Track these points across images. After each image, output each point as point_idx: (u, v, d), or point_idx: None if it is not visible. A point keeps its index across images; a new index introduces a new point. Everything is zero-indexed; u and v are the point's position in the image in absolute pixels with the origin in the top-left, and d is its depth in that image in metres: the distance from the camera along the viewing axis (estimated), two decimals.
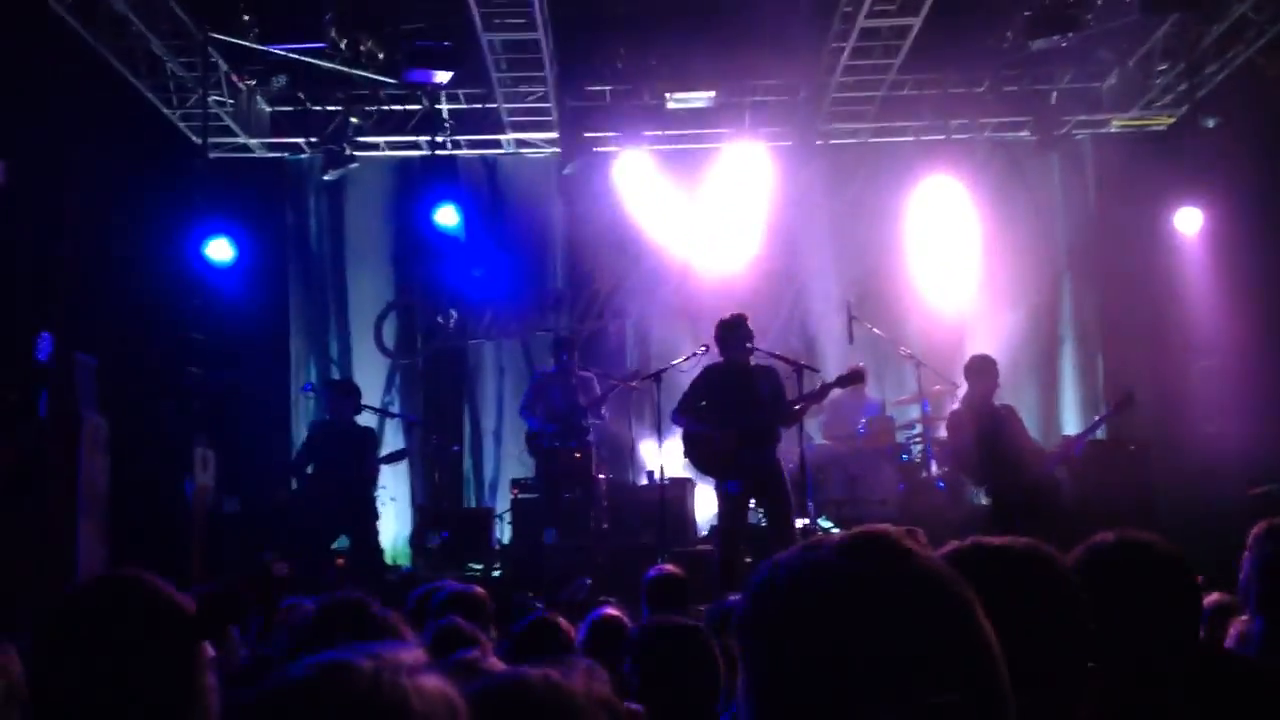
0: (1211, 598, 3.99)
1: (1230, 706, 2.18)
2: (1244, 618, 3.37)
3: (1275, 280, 9.33)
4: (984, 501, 9.98)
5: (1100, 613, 2.26)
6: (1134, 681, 2.10)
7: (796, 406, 7.53)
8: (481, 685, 1.53)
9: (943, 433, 9.97)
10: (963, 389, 10.17)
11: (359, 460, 8.75)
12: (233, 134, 11.06)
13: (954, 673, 1.01)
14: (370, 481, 8.84)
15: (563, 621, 3.65)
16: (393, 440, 11.13)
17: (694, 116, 11.23)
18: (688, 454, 7.69)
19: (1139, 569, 2.23)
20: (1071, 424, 11.25)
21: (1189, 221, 10.28)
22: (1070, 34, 9.14)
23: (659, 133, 11.21)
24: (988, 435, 7.72)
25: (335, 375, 11.35)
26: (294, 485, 9.19)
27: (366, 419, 10.15)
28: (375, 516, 8.89)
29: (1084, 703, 1.60)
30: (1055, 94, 11.25)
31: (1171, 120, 11.27)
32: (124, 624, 1.83)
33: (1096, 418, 8.06)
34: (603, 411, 9.82)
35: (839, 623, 1.02)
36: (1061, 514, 7.48)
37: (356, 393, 9.18)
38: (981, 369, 7.99)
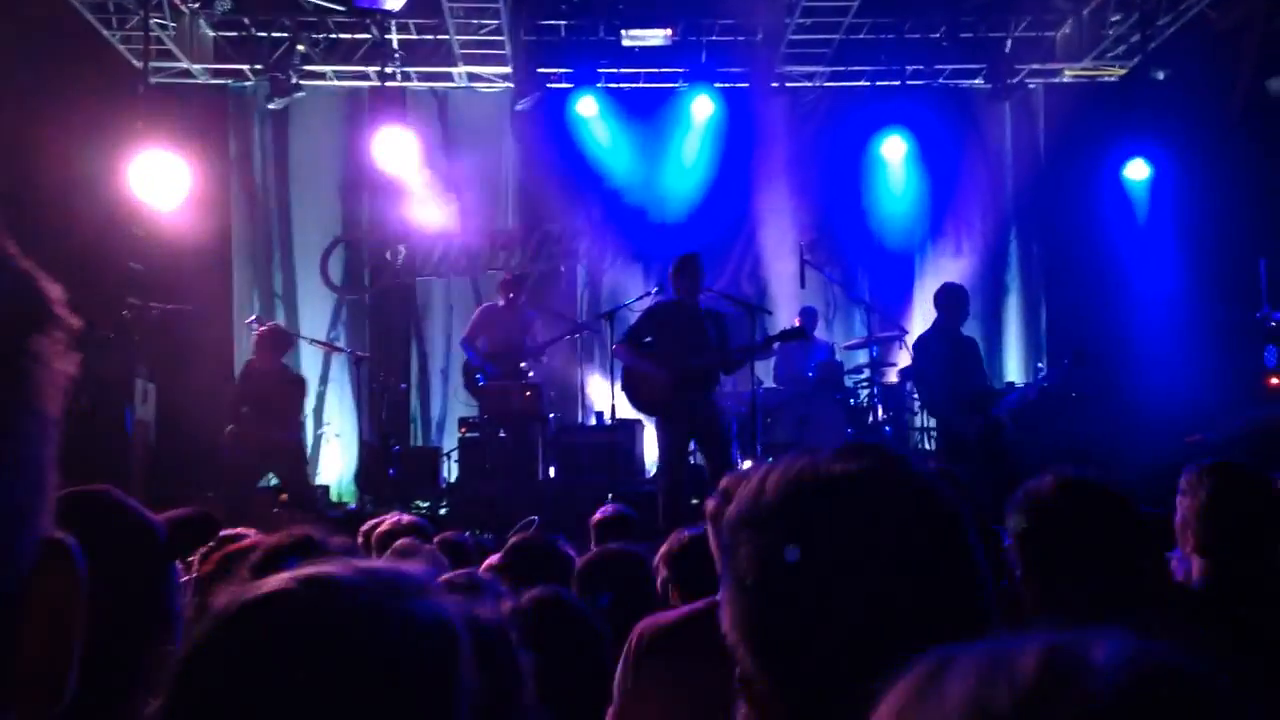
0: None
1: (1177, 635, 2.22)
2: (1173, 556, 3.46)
3: (1220, 232, 9.48)
4: (929, 440, 10.16)
5: (1045, 549, 2.30)
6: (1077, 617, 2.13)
7: (738, 356, 7.52)
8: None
9: (891, 378, 10.07)
10: (913, 333, 10.29)
11: (289, 406, 8.71)
12: (175, 59, 10.73)
13: (943, 565, 1.03)
14: (297, 427, 8.96)
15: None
16: (339, 377, 11.02)
17: (650, 55, 11.10)
18: (625, 388, 7.66)
19: (1079, 505, 2.27)
20: (1015, 371, 11.43)
21: (1136, 172, 10.40)
22: None
23: (614, 70, 11.06)
24: (952, 364, 7.75)
25: (279, 309, 11.18)
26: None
27: (312, 353, 10.04)
28: (303, 458, 9.03)
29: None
30: (1010, 42, 11.26)
31: (1123, 72, 11.34)
32: (95, 538, 1.78)
33: (1051, 370, 8.13)
34: (543, 358, 9.75)
35: (836, 515, 1.03)
36: (1005, 455, 7.57)
37: (285, 340, 9.07)
38: (954, 297, 7.97)
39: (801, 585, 1.01)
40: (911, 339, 10.16)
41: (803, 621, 1.01)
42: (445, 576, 2.62)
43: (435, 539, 4.28)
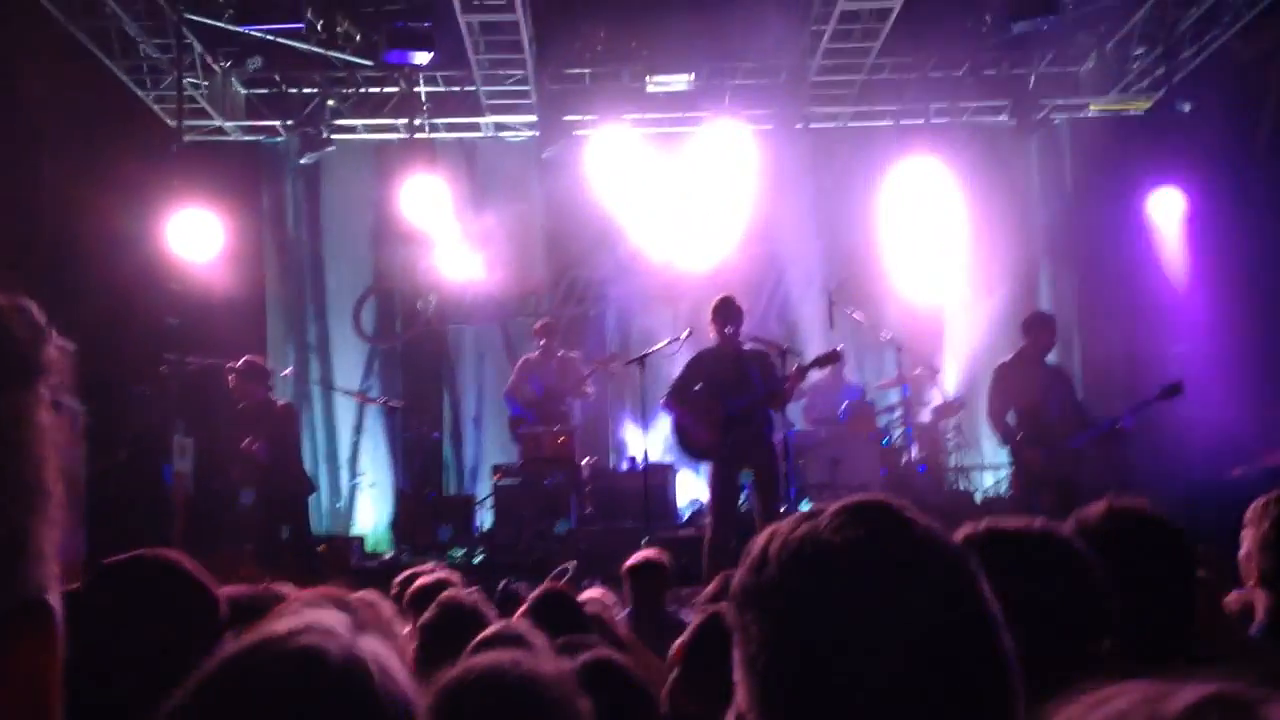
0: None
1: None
2: (1237, 593, 3.40)
3: (1251, 262, 9.40)
4: (964, 480, 10.06)
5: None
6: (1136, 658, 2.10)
7: (782, 388, 7.53)
8: (458, 671, 1.56)
9: (925, 417, 10.01)
10: (943, 373, 10.24)
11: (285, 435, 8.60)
12: (208, 116, 10.93)
13: (954, 639, 0.99)
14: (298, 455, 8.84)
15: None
16: (372, 427, 11.08)
17: (674, 99, 11.19)
18: (678, 440, 7.69)
19: (1131, 535, 2.24)
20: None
21: (1165, 204, 10.35)
22: (1051, 17, 9.14)
23: (639, 115, 11.16)
24: (1032, 391, 7.61)
25: (313, 360, 11.28)
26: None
27: (346, 403, 10.09)
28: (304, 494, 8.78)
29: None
30: (1033, 78, 11.28)
31: (1148, 104, 11.32)
32: (163, 602, 1.80)
33: (1144, 400, 7.86)
34: (588, 390, 9.81)
35: (839, 591, 1.01)
36: (1071, 487, 7.40)
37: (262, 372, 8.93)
38: (1039, 324, 7.88)
39: (807, 668, 0.99)
40: (944, 377, 10.13)
41: (813, 705, 1.00)
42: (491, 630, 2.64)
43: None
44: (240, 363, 8.56)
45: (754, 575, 1.06)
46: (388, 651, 0.99)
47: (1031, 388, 7.64)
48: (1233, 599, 3.32)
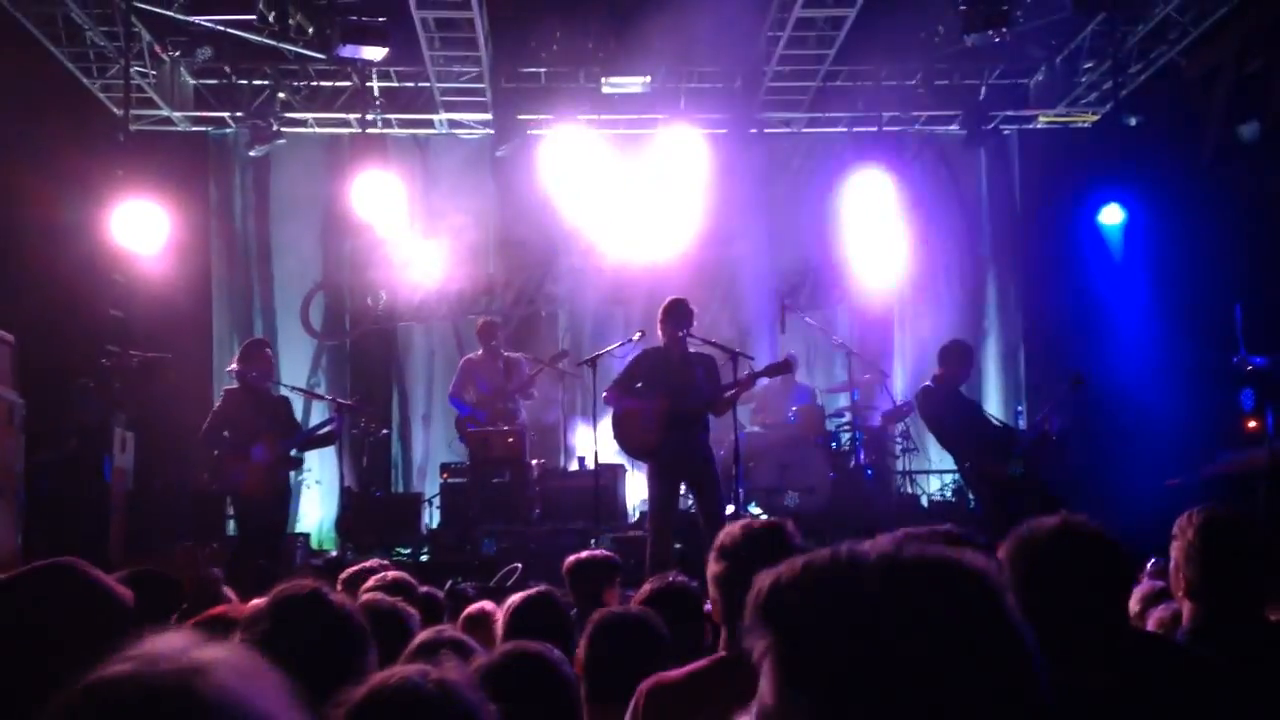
0: (1145, 587, 4.09)
1: (1159, 689, 2.22)
2: (1163, 605, 3.47)
3: (1193, 274, 9.59)
4: (910, 484, 10.16)
5: (1031, 594, 2.29)
6: (1063, 663, 2.13)
7: (727, 394, 7.51)
8: (373, 684, 1.55)
9: (874, 421, 10.09)
10: (892, 378, 10.33)
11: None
12: (155, 106, 10.76)
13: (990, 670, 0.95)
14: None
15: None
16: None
17: (629, 101, 11.20)
18: (616, 435, 7.65)
19: (1071, 551, 2.27)
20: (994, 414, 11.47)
21: (1110, 217, 10.53)
22: (1004, 30, 9.27)
23: (594, 117, 11.15)
24: (968, 417, 7.74)
25: None
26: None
27: (292, 400, 9.94)
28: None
29: None
30: (984, 89, 11.43)
31: (1095, 118, 11.52)
32: (58, 613, 1.76)
33: (1056, 401, 8.05)
34: (533, 391, 9.78)
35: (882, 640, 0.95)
36: (1044, 487, 7.50)
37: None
38: (961, 354, 7.94)
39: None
40: (893, 382, 10.22)
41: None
42: (421, 638, 2.62)
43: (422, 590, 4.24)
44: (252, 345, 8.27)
45: (766, 619, 1.00)
46: (247, 666, 0.96)
47: (964, 407, 7.78)
48: (1162, 609, 3.38)
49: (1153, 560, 6.04)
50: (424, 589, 4.43)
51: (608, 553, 5.25)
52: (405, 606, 3.09)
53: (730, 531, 2.66)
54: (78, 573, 1.81)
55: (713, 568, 2.65)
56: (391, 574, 4.12)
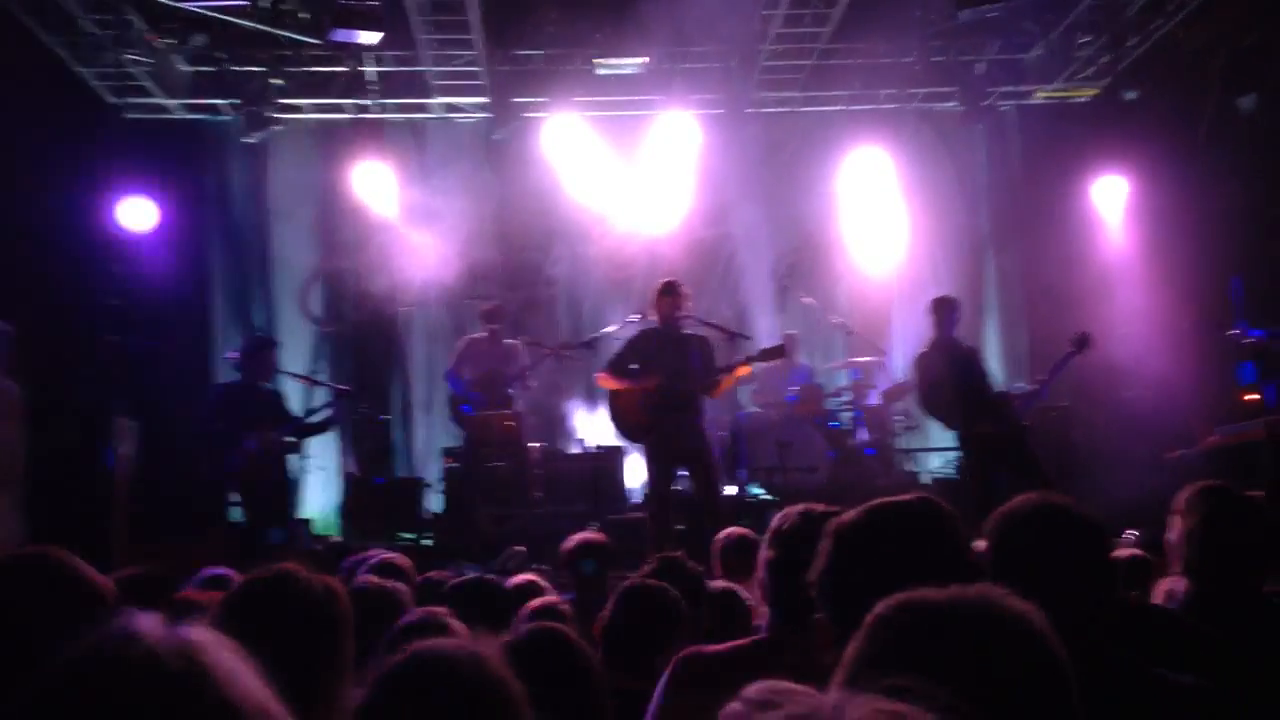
0: (1123, 554, 4.10)
1: (1154, 657, 2.22)
2: (1170, 578, 3.47)
3: (1193, 247, 9.57)
4: (911, 462, 10.16)
5: (1014, 573, 2.29)
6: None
7: (720, 376, 7.49)
8: (400, 658, 1.55)
9: (873, 399, 10.09)
10: (891, 356, 10.32)
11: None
12: (149, 94, 10.72)
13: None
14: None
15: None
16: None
17: (625, 83, 11.15)
18: (611, 416, 7.65)
19: (1053, 531, 2.26)
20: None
21: (1109, 191, 10.50)
22: (998, 5, 9.21)
23: (590, 99, 11.11)
24: (960, 375, 7.62)
25: None
26: None
27: (293, 387, 9.95)
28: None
29: None
30: (981, 65, 11.37)
31: (1094, 92, 11.46)
32: (36, 601, 1.75)
33: (1059, 359, 7.98)
34: (530, 382, 9.75)
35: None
36: (1032, 458, 7.46)
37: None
38: (944, 307, 7.88)
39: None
40: (893, 360, 10.22)
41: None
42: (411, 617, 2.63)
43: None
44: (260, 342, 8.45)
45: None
46: (218, 647, 0.97)
47: (956, 367, 7.68)
48: (1162, 584, 3.39)
49: (1126, 533, 6.03)
50: (427, 575, 4.44)
51: (602, 537, 5.26)
52: (398, 587, 3.10)
53: (787, 515, 2.65)
54: (55, 561, 1.80)
55: (765, 552, 2.66)
56: (384, 556, 4.14)
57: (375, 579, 3.29)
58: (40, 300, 8.67)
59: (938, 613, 1.17)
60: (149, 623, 0.96)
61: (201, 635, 0.96)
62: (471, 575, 3.73)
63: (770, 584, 2.63)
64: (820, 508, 2.66)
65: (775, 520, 2.66)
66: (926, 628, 1.18)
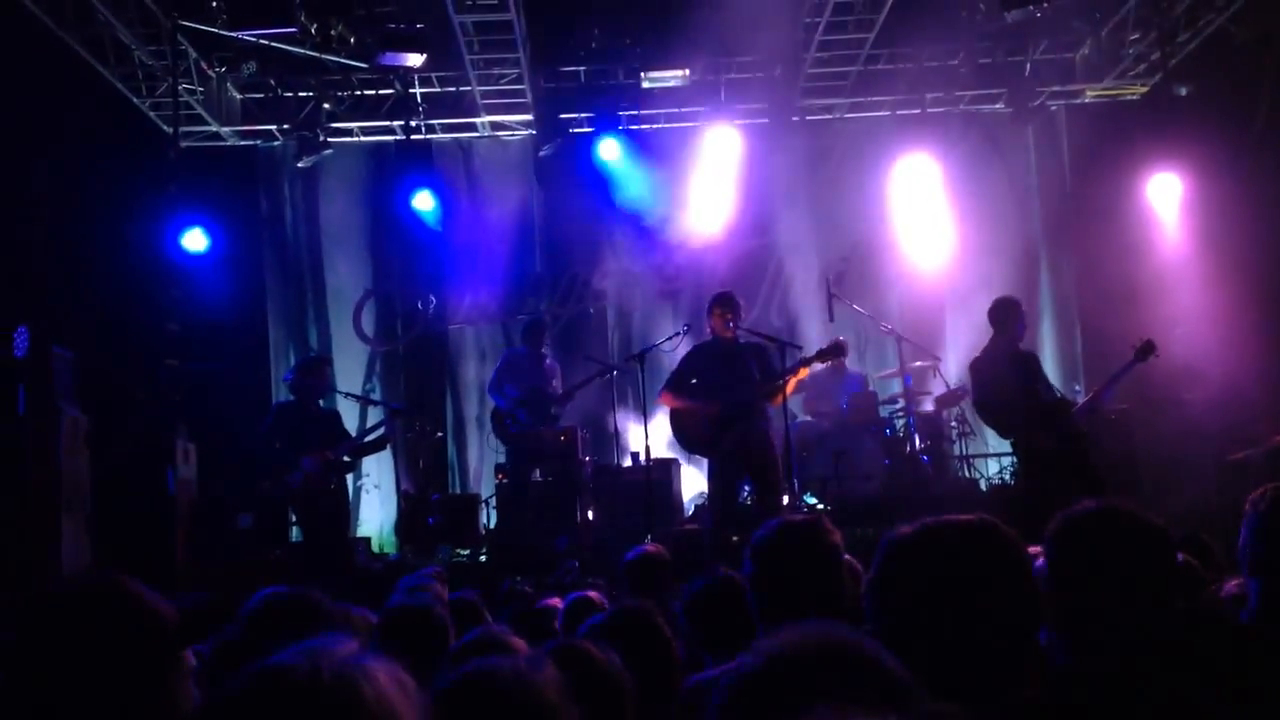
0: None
1: (1220, 668, 2.18)
2: (1236, 580, 3.40)
3: (1249, 244, 9.39)
4: (969, 469, 10.05)
5: (1076, 580, 2.25)
6: (1107, 648, 2.10)
7: (780, 382, 7.48)
8: (451, 677, 1.57)
9: (927, 406, 10.00)
10: (944, 362, 10.21)
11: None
12: (204, 122, 10.94)
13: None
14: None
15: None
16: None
17: (669, 96, 11.19)
18: (675, 433, 7.68)
19: (1115, 538, 2.22)
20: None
21: (1163, 189, 10.33)
22: (1045, 4, 9.12)
23: (635, 113, 11.15)
24: (1018, 381, 7.34)
25: None
26: None
27: (348, 406, 10.08)
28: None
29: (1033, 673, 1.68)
30: (1029, 65, 11.26)
31: (1144, 89, 11.31)
32: (101, 628, 1.76)
33: (1121, 367, 7.75)
34: (565, 407, 9.68)
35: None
36: (1089, 467, 7.26)
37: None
38: (1007, 312, 7.56)
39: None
40: (946, 366, 10.11)
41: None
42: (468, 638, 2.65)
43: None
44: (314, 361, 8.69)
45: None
46: (391, 672, 1.00)
47: (1015, 373, 7.48)
48: (1231, 585, 3.32)
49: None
50: (458, 593, 4.41)
51: (661, 550, 5.25)
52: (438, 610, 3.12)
53: (767, 528, 2.66)
54: (120, 587, 1.82)
55: (748, 568, 2.66)
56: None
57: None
58: (102, 327, 8.87)
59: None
60: (321, 650, 1.00)
61: (373, 665, 1.00)
62: (402, 601, 3.67)
63: (754, 600, 2.63)
64: (799, 519, 2.67)
65: (755, 535, 2.67)
66: None
